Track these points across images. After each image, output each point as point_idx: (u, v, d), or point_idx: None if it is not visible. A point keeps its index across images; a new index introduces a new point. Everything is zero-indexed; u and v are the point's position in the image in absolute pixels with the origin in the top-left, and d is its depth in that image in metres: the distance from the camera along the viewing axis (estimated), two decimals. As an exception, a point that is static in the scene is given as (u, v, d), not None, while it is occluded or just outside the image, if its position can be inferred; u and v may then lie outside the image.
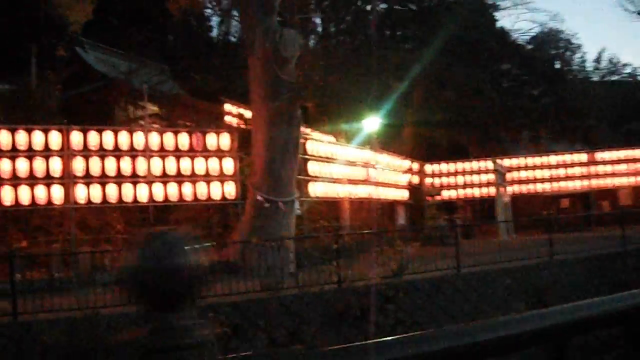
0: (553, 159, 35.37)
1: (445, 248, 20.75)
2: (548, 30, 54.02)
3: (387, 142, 33.45)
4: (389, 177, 30.01)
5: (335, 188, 25.26)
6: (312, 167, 23.85)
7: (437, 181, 34.81)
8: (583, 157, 35.39)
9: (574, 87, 45.16)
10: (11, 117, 22.02)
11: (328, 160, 25.04)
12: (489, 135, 39.47)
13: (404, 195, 31.44)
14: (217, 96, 28.12)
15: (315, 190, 23.88)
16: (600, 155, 35.38)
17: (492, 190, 32.82)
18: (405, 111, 36.80)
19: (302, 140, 23.12)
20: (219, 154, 21.27)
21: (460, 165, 34.98)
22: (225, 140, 21.38)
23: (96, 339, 12.05)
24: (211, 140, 21.17)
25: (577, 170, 35.16)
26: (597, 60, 59.27)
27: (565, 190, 35.99)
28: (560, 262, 19.22)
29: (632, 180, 35.18)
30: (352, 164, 26.75)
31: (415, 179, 34.06)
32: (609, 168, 35.04)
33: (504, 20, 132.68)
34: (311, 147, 24.02)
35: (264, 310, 14.01)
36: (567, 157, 35.39)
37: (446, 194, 34.83)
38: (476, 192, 34.68)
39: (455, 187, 34.92)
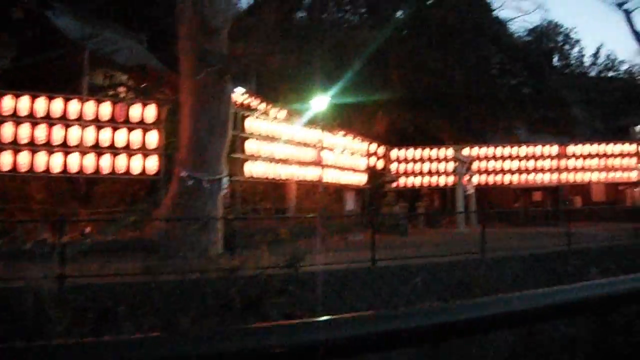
0: (523, 150, 34.13)
1: (399, 237, 19.89)
2: (547, 23, 53.22)
3: (353, 124, 32.30)
4: (345, 160, 28.81)
5: (277, 169, 24.13)
6: (250, 146, 22.76)
7: (402, 167, 33.67)
8: (554, 149, 34.08)
9: (557, 79, 43.85)
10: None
11: (270, 139, 23.91)
12: (462, 124, 38.12)
13: (361, 180, 30.26)
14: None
15: (252, 170, 22.78)
16: (571, 149, 34.09)
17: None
18: (374, 93, 35.52)
19: (242, 116, 22.23)
20: (143, 126, 20.20)
21: (426, 152, 33.88)
22: (150, 112, 20.28)
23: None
24: (135, 111, 20.07)
25: (547, 164, 33.93)
26: (595, 55, 58.35)
27: (536, 184, 34.82)
28: (491, 260, 18.11)
29: (602, 176, 34.05)
30: (301, 144, 25.60)
31: (380, 164, 32.97)
32: (579, 163, 33.82)
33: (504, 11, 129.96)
34: (250, 124, 22.88)
35: (141, 295, 13.04)
36: (538, 149, 34.12)
37: (411, 181, 33.75)
38: (441, 180, 33.68)
39: (421, 174, 33.84)
